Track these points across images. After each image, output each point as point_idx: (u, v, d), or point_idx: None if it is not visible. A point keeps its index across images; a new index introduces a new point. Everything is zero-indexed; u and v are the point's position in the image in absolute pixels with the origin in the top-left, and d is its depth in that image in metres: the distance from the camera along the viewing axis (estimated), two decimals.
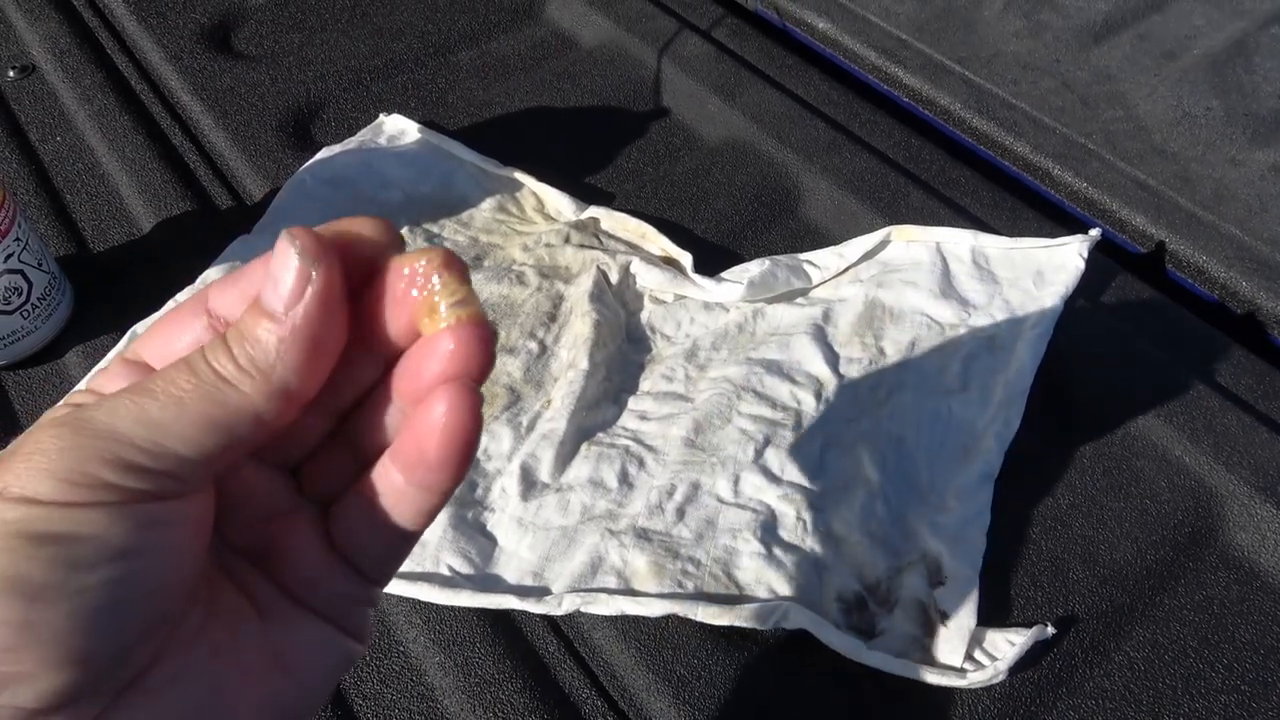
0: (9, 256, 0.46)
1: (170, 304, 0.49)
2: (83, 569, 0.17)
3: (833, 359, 0.48)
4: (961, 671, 0.38)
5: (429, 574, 0.41)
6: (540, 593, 0.40)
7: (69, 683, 0.17)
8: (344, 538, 0.21)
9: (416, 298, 0.19)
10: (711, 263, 0.53)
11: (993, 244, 0.52)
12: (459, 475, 0.20)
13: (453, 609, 0.40)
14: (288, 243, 0.19)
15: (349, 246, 0.20)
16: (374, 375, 0.21)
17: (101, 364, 0.47)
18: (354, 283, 0.20)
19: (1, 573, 0.16)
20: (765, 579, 0.40)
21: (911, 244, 0.53)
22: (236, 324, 0.19)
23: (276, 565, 0.21)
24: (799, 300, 0.52)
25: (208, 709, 0.19)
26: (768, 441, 0.44)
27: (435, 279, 0.19)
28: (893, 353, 0.48)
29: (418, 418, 0.19)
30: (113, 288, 0.52)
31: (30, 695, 0.16)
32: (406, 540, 0.21)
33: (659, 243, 0.54)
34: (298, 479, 0.22)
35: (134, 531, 0.17)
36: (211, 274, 0.50)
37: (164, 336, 0.21)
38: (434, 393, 0.19)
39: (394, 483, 0.20)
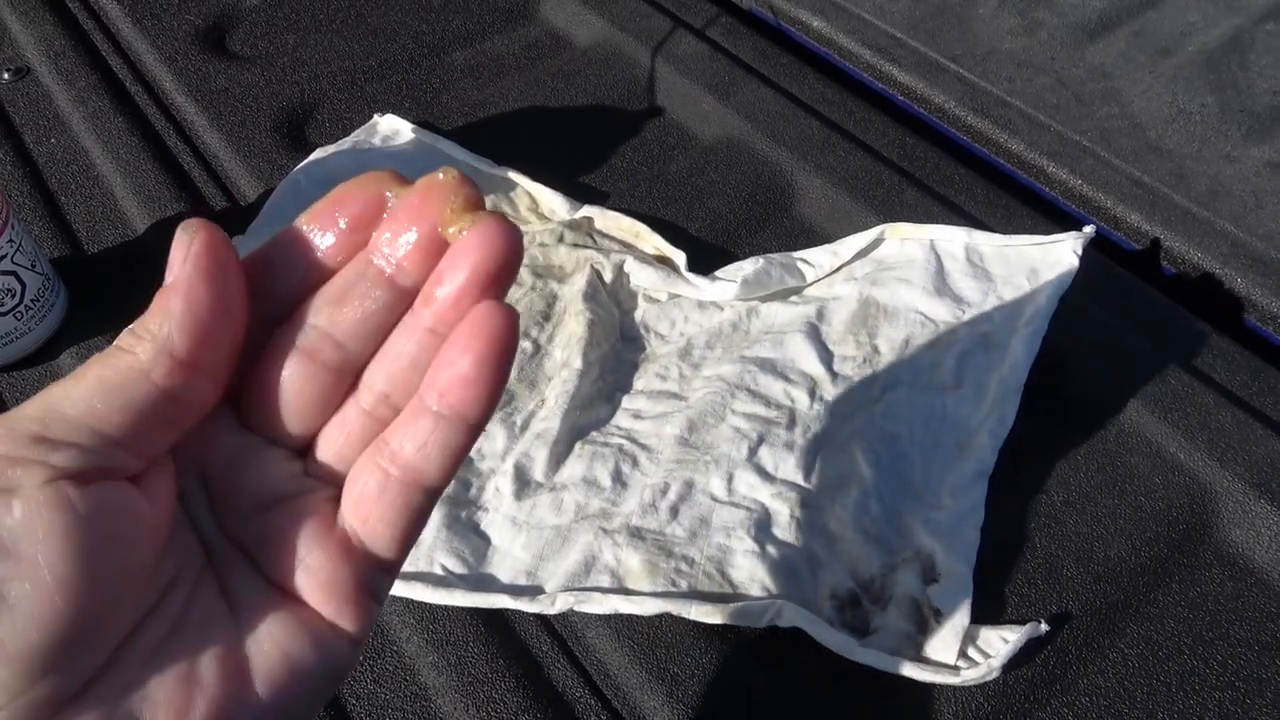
0: (2, 258, 0.46)
1: None
2: None
3: (827, 357, 0.48)
4: (955, 669, 0.38)
5: (423, 573, 0.41)
6: (534, 592, 0.40)
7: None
8: (354, 511, 0.21)
9: (438, 207, 0.20)
10: (705, 261, 0.53)
11: (987, 241, 0.52)
12: (493, 391, 0.19)
13: (446, 608, 0.40)
14: (179, 229, 0.20)
15: (350, 197, 0.20)
16: (390, 317, 0.21)
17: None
18: (367, 224, 0.21)
19: None
20: (759, 577, 0.40)
21: (906, 242, 0.53)
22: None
23: (274, 553, 0.21)
24: (793, 298, 0.52)
25: None
26: (761, 440, 0.44)
27: (455, 189, 0.20)
28: (887, 350, 0.48)
29: (456, 329, 0.19)
30: (107, 289, 0.52)
31: None
32: (424, 498, 0.21)
33: (653, 241, 0.54)
34: (306, 462, 0.22)
35: (47, 522, 0.17)
36: None
37: None
38: (471, 308, 0.19)
39: (420, 428, 0.20)
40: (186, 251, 0.19)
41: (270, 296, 0.21)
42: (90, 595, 0.17)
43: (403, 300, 0.21)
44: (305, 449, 0.22)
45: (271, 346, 0.21)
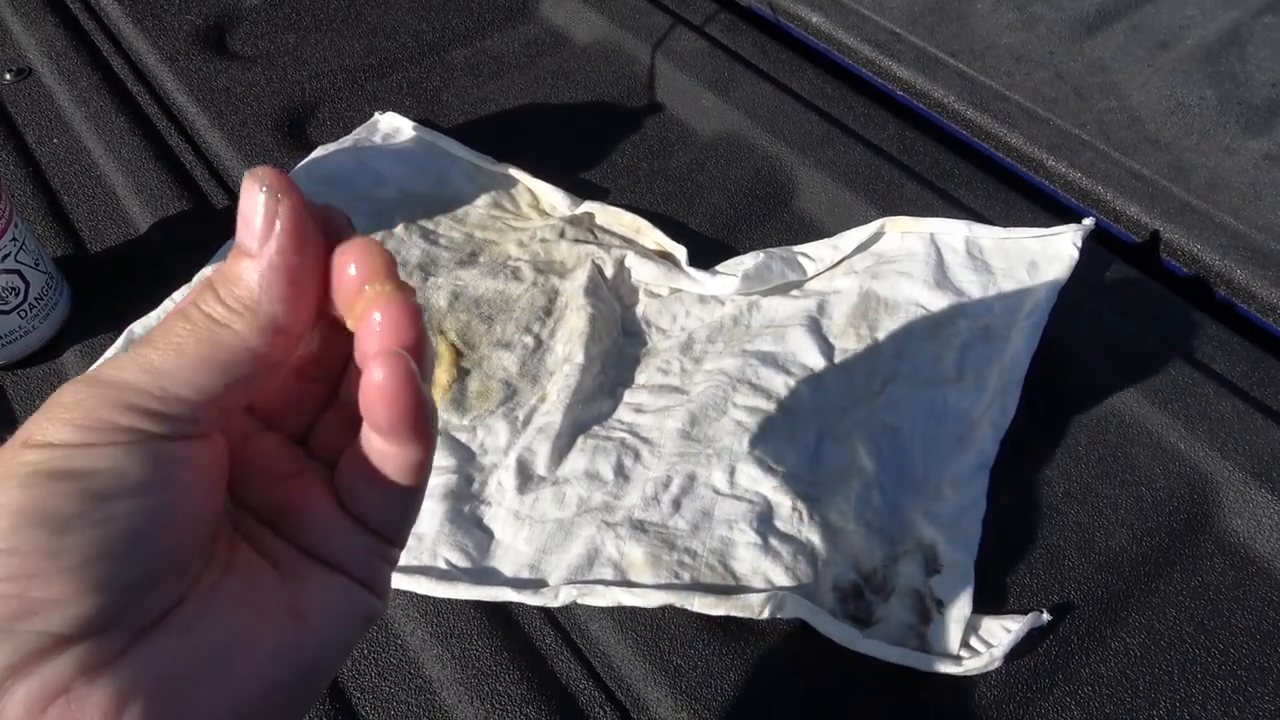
0: (6, 257, 0.46)
1: (167, 303, 0.49)
2: (101, 501, 0.18)
3: (828, 350, 0.48)
4: (958, 659, 0.38)
5: (426, 567, 0.41)
6: (537, 585, 0.40)
7: (95, 609, 0.17)
8: (349, 496, 0.22)
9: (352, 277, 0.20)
10: (706, 256, 0.53)
11: (986, 234, 0.52)
12: (419, 434, 0.20)
13: (450, 602, 0.40)
14: (252, 181, 0.19)
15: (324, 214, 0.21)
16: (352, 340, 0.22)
17: (99, 363, 0.47)
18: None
19: (25, 506, 0.17)
20: (761, 569, 0.40)
21: (906, 235, 0.53)
22: (220, 268, 0.20)
23: (291, 523, 0.22)
24: (794, 292, 0.52)
25: (227, 650, 0.19)
26: (763, 433, 0.44)
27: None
28: (888, 343, 0.48)
29: (361, 385, 0.20)
30: (110, 287, 0.52)
31: (59, 621, 0.17)
32: (406, 495, 0.22)
33: (654, 237, 0.54)
34: (307, 445, 0.23)
35: (148, 467, 0.18)
36: (208, 273, 0.50)
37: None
38: (370, 362, 0.20)
39: (377, 442, 0.21)
40: (274, 215, 0.19)
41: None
42: (181, 540, 0.19)
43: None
44: (304, 436, 0.23)
45: None
